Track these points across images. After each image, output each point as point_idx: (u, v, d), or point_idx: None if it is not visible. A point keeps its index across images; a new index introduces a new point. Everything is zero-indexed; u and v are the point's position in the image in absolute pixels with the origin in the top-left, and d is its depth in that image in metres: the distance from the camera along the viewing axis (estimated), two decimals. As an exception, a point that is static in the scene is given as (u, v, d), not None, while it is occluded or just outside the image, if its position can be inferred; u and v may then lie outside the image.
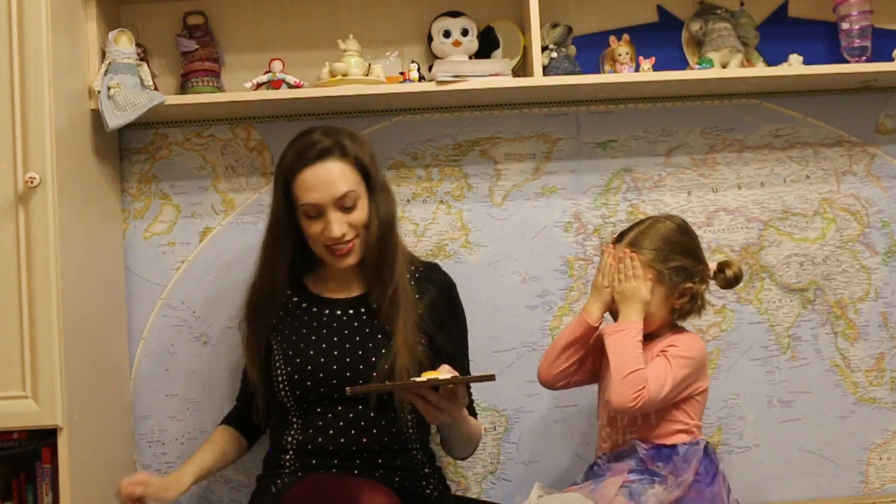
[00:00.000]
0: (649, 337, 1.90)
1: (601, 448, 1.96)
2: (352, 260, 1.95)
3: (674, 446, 1.85)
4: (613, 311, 1.93)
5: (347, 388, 1.70)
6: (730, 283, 1.95)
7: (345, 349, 1.92)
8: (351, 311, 1.98)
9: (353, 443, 1.88)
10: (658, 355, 1.86)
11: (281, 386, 1.94)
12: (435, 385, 1.73)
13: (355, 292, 2.01)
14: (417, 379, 1.73)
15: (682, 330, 1.96)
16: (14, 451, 1.92)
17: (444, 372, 1.77)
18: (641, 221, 1.98)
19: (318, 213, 1.91)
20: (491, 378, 1.74)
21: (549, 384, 1.97)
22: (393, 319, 1.92)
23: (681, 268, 1.89)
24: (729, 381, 2.36)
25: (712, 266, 1.96)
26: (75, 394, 1.89)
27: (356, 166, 1.93)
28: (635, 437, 1.88)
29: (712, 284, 1.98)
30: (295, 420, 1.94)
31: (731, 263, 1.95)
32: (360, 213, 1.93)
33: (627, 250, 1.89)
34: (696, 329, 2.35)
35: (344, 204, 1.90)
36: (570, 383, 1.98)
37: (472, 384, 2.05)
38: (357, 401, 1.88)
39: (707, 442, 1.89)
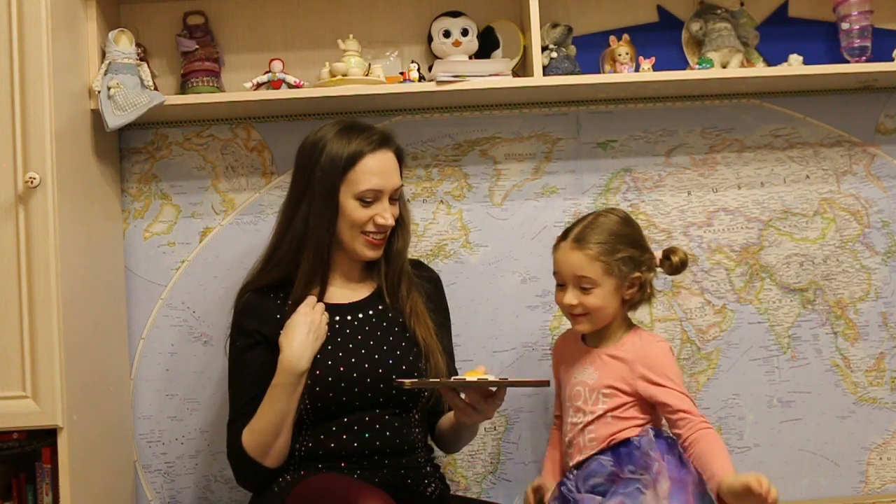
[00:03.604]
0: (603, 335, 1.92)
1: (566, 454, 1.95)
2: (380, 252, 1.97)
3: (627, 441, 1.84)
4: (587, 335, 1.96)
5: (407, 382, 1.71)
6: (676, 269, 1.95)
7: (363, 354, 1.90)
8: (360, 315, 1.95)
9: (366, 446, 1.87)
10: (658, 388, 1.83)
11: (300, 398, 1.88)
12: (488, 386, 1.75)
13: (362, 294, 2.00)
14: (469, 378, 1.74)
15: (635, 328, 1.96)
16: (14, 451, 1.93)
17: (482, 371, 1.78)
18: (584, 217, 1.97)
19: (375, 199, 1.91)
20: (545, 384, 1.81)
21: None
22: (414, 315, 1.95)
23: (628, 258, 1.90)
24: (729, 381, 2.36)
25: (658, 254, 1.97)
26: (75, 394, 1.89)
27: (399, 162, 1.98)
28: (593, 436, 1.87)
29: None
30: (304, 428, 1.89)
31: (676, 250, 1.96)
32: (398, 208, 1.97)
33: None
34: (696, 329, 2.36)
35: (394, 196, 1.94)
36: None
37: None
38: (374, 404, 1.86)
39: (653, 428, 1.86)
